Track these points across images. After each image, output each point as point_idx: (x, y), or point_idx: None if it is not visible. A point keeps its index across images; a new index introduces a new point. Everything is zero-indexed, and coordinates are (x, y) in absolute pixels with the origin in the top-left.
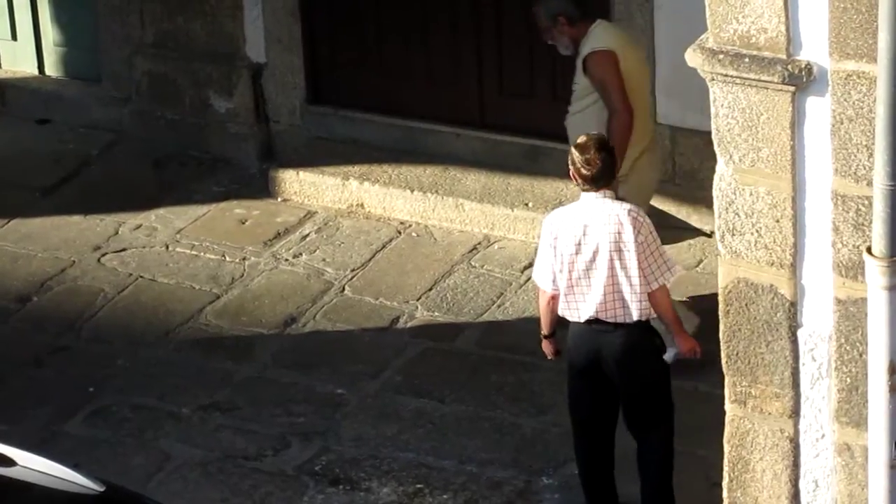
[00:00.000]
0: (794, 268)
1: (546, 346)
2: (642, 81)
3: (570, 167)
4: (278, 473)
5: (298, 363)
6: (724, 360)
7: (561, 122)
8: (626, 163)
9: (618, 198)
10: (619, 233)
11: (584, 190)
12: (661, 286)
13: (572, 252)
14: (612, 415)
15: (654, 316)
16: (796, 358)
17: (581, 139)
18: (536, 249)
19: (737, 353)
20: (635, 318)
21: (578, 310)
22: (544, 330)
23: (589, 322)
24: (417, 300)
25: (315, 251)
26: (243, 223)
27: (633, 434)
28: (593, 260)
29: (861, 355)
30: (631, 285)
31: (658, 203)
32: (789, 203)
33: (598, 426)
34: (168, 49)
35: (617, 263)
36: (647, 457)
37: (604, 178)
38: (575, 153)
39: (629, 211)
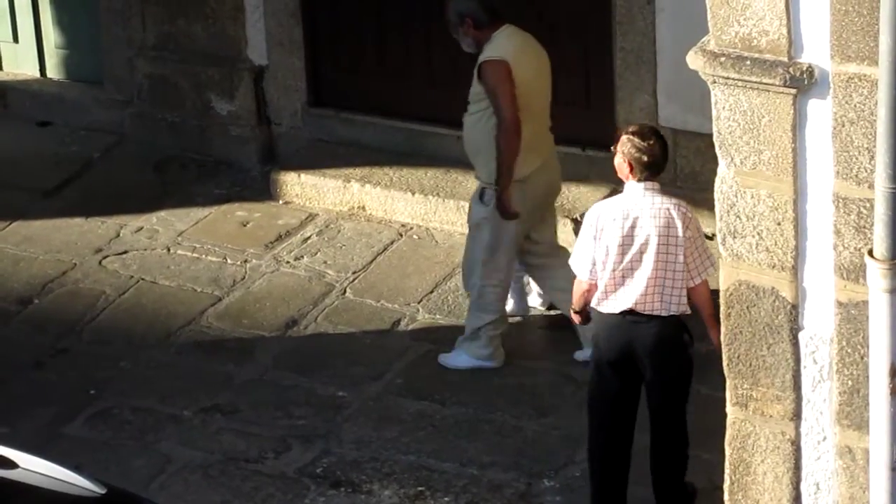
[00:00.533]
0: (796, 270)
1: (576, 317)
2: (540, 92)
3: (624, 156)
4: (279, 476)
5: (299, 365)
6: (725, 363)
7: (561, 126)
8: (525, 169)
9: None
10: (667, 227)
11: (637, 180)
12: (703, 280)
13: (619, 244)
14: (632, 411)
15: (689, 311)
16: (797, 360)
17: (634, 127)
18: None
19: (738, 356)
20: (672, 311)
21: (616, 301)
22: (575, 307)
23: (624, 314)
24: (419, 303)
25: (316, 253)
26: (245, 225)
27: (652, 429)
28: (641, 253)
29: (862, 358)
30: (674, 279)
31: None
32: (791, 206)
33: (618, 422)
34: (169, 51)
35: (663, 257)
36: (665, 453)
37: (659, 166)
38: (635, 140)
39: (678, 205)
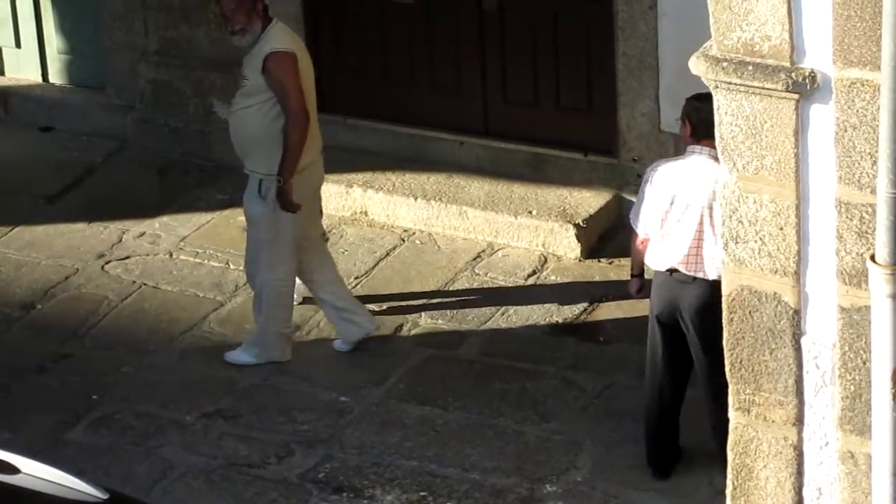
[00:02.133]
0: (798, 275)
1: (632, 284)
2: (310, 88)
3: (687, 120)
4: (282, 481)
5: (302, 371)
6: (727, 368)
7: (565, 131)
8: (305, 160)
9: None
10: (714, 192)
11: (694, 141)
12: None
13: (668, 202)
14: (683, 364)
15: None
16: (800, 366)
17: (696, 94)
18: (540, 257)
19: (740, 361)
20: (711, 276)
21: (663, 258)
22: (633, 270)
23: (670, 271)
24: (421, 308)
25: None
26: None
27: (703, 393)
28: (686, 214)
29: (865, 363)
30: (715, 244)
31: None
32: (793, 211)
33: (668, 372)
34: (171, 57)
35: (707, 220)
36: (710, 398)
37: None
38: (699, 104)
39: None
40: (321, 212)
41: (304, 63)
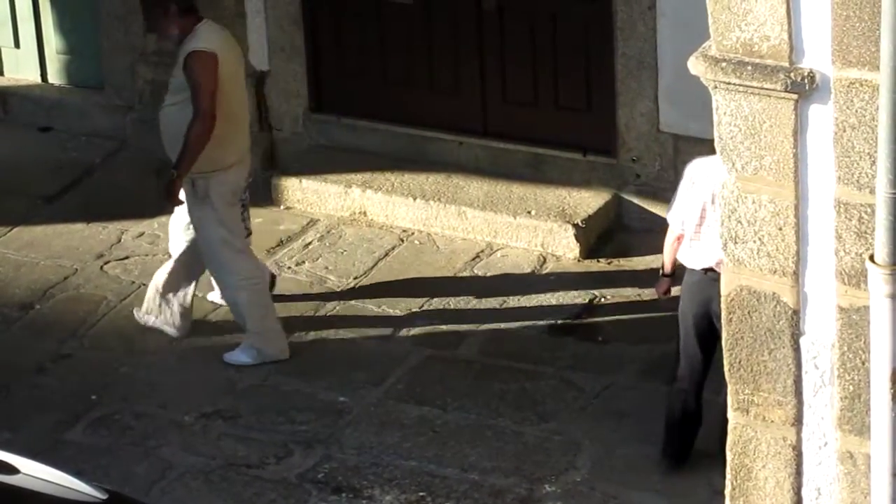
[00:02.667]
0: (797, 276)
1: (661, 285)
2: (238, 87)
3: None
4: (281, 481)
5: (301, 371)
6: (726, 368)
7: (564, 131)
8: (228, 160)
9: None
10: None
11: None
12: None
13: (707, 201)
14: (707, 363)
15: None
16: (799, 366)
17: None
18: (539, 257)
19: (739, 361)
20: None
21: (698, 257)
22: (665, 269)
23: (705, 270)
24: (420, 308)
25: (318, 259)
26: None
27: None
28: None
29: (864, 363)
30: None
31: (660, 210)
32: (792, 211)
33: (703, 378)
34: (171, 57)
35: None
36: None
37: None
38: None
39: None
40: (247, 210)
41: (231, 64)
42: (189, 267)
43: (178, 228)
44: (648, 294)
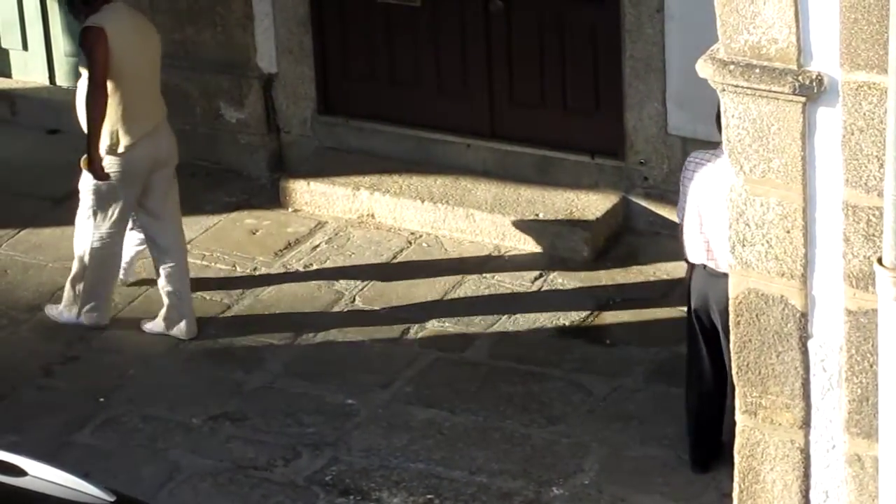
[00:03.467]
0: (805, 278)
1: (688, 274)
2: (143, 65)
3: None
4: (289, 484)
5: (309, 373)
6: (734, 371)
7: (572, 133)
8: (129, 138)
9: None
10: None
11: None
12: None
13: (697, 197)
14: (718, 355)
15: None
16: (807, 369)
17: None
18: (547, 260)
19: (747, 364)
20: None
21: (695, 252)
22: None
23: (703, 265)
24: (428, 311)
25: (326, 261)
26: (254, 233)
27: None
28: (712, 208)
29: (872, 366)
30: None
31: (668, 213)
32: (800, 214)
33: (712, 371)
34: (179, 59)
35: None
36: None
37: None
38: None
39: None
40: (167, 188)
41: (123, 40)
42: (156, 245)
43: (128, 244)
44: (656, 296)
